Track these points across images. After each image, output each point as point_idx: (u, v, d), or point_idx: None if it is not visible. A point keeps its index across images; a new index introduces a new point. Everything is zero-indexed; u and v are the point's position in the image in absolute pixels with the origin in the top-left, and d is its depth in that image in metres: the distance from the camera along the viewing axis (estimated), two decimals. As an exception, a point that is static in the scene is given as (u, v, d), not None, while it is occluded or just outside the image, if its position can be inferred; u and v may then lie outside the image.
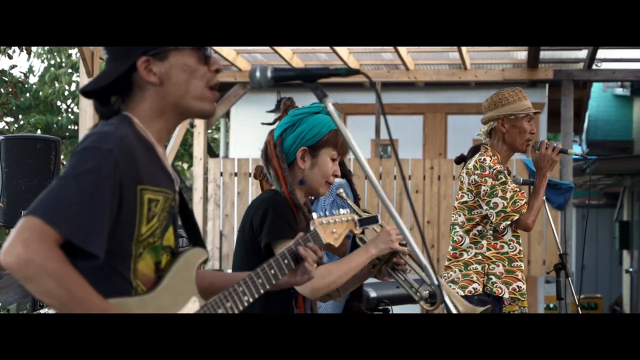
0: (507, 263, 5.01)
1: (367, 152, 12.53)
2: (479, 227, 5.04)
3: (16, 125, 13.01)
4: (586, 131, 16.31)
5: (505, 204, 4.94)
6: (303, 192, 3.58)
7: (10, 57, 8.00)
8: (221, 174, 11.43)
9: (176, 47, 2.38)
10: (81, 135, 8.49)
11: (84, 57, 8.26)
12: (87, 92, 2.42)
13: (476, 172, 5.02)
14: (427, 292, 6.82)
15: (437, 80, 11.69)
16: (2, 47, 7.75)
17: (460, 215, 5.12)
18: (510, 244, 5.06)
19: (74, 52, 15.48)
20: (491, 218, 4.98)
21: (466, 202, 5.09)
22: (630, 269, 17.29)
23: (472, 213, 5.06)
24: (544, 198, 5.19)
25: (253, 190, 11.17)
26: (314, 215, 2.96)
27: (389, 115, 12.34)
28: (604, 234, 21.52)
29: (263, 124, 3.73)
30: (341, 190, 3.82)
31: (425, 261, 2.39)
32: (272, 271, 2.63)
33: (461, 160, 6.26)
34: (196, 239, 2.53)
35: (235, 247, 3.58)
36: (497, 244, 5.03)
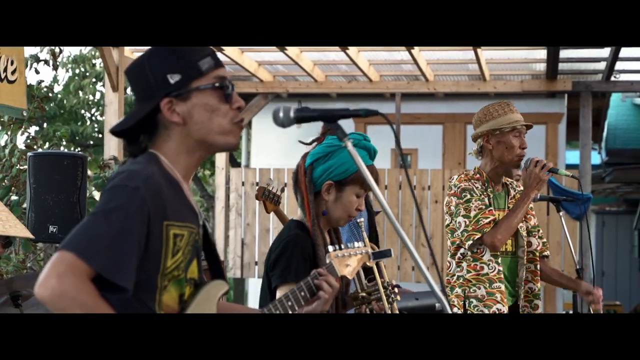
0: (487, 285, 4.73)
1: (386, 162, 12.61)
2: (462, 250, 4.79)
3: (39, 135, 13.15)
4: (605, 140, 16.32)
5: (467, 222, 4.70)
6: (325, 222, 3.65)
7: (38, 72, 8.16)
8: (243, 184, 11.56)
9: (198, 87, 2.48)
10: (106, 146, 8.64)
11: (109, 72, 8.42)
12: (116, 132, 2.54)
13: (448, 192, 4.88)
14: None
15: (457, 91, 11.78)
16: (29, 62, 7.90)
17: (448, 240, 4.92)
18: (489, 264, 4.75)
19: (97, 62, 15.65)
20: (460, 238, 4.77)
21: (448, 225, 4.88)
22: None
23: (454, 235, 4.81)
24: (561, 212, 5.11)
25: (274, 200, 11.27)
26: (330, 248, 3.08)
27: (408, 125, 12.46)
28: (623, 241, 21.49)
29: (300, 142, 3.82)
30: (362, 220, 3.93)
31: (430, 278, 2.48)
32: (289, 303, 2.78)
33: None
34: (218, 271, 2.64)
35: (264, 270, 3.68)
36: (476, 265, 4.76)
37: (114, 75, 8.44)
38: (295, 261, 3.43)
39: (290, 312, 2.76)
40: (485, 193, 4.82)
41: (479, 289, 4.73)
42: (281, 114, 2.60)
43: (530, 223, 4.96)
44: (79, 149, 15.13)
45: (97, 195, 8.76)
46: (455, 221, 4.74)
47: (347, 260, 3.10)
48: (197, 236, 2.54)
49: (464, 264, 4.76)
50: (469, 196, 4.74)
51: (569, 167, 12.83)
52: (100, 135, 15.27)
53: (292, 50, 10.16)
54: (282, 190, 5.31)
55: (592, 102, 11.22)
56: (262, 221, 11.43)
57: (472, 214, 4.70)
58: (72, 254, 2.23)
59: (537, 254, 4.94)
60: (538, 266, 4.93)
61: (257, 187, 5.22)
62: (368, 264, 3.21)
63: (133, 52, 9.82)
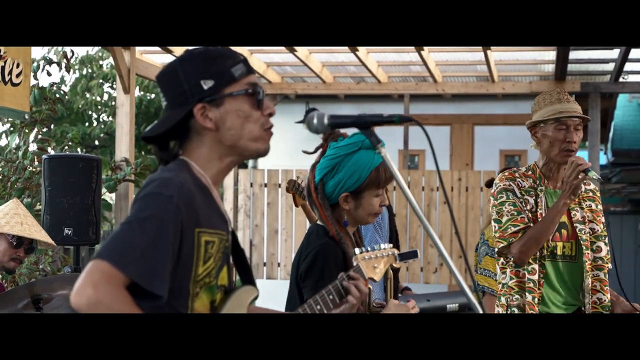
0: (528, 293, 4.31)
1: (394, 163, 12.60)
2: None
3: (48, 136, 13.18)
4: (612, 140, 16.33)
5: (497, 227, 4.35)
6: (351, 227, 3.58)
7: (49, 74, 8.16)
8: (251, 185, 11.56)
9: (230, 93, 2.49)
10: (117, 148, 8.64)
11: (121, 74, 8.41)
12: (147, 138, 2.56)
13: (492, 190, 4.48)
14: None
15: (465, 92, 11.79)
16: (41, 64, 7.90)
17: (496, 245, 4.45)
18: (530, 270, 4.34)
19: (105, 63, 15.69)
20: None
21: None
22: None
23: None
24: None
25: (283, 201, 11.30)
26: (357, 250, 3.08)
27: (416, 125, 12.46)
28: (628, 241, 21.48)
29: (304, 152, 3.77)
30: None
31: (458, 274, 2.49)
32: (318, 307, 2.80)
33: (491, 183, 6.13)
34: (247, 277, 2.67)
35: (290, 278, 3.63)
36: (518, 271, 4.35)
37: (125, 77, 8.44)
38: (328, 272, 3.36)
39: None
40: (534, 191, 4.38)
41: (520, 297, 4.34)
42: (315, 121, 2.62)
43: (599, 226, 4.45)
44: (85, 150, 15.16)
45: (108, 197, 8.78)
46: (492, 223, 4.40)
47: (374, 262, 3.10)
48: (227, 242, 2.56)
49: (507, 270, 4.39)
50: (504, 198, 4.35)
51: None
52: (107, 137, 15.29)
53: (301, 52, 10.16)
54: None
55: (600, 102, 11.23)
56: (270, 222, 11.44)
57: (504, 219, 4.33)
58: (107, 262, 2.24)
59: (606, 261, 4.43)
60: (606, 274, 4.43)
61: (288, 181, 5.22)
62: (395, 265, 3.20)
63: (142, 54, 9.82)
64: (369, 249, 3.17)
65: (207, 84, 2.48)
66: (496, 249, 4.37)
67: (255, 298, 2.63)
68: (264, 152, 2.57)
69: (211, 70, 2.50)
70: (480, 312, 2.50)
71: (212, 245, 2.45)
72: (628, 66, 10.63)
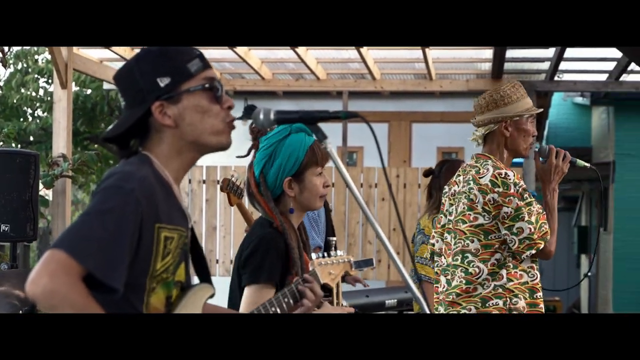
0: (528, 295, 4.22)
1: (333, 160, 12.63)
2: (497, 255, 4.21)
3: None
4: (546, 138, 16.59)
5: (532, 229, 4.13)
6: (298, 214, 3.59)
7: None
8: (189, 182, 11.51)
9: (188, 89, 2.49)
10: (54, 143, 8.53)
11: (58, 69, 8.32)
12: (108, 138, 2.54)
13: (496, 189, 4.16)
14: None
15: (403, 90, 11.87)
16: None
17: (472, 242, 4.25)
18: (529, 271, 4.25)
19: (40, 57, 15.49)
20: (511, 244, 4.17)
21: (481, 225, 4.23)
22: (589, 273, 17.60)
23: (490, 238, 4.22)
24: None
25: (221, 198, 11.26)
26: (313, 256, 3.11)
27: (354, 122, 12.51)
28: (561, 237, 21.83)
29: (238, 157, 3.79)
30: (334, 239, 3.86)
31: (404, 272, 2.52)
32: (273, 309, 2.81)
33: (430, 173, 6.01)
34: (204, 275, 2.65)
35: (232, 269, 3.63)
36: (517, 272, 4.21)
37: (62, 72, 8.35)
38: (268, 261, 3.38)
39: None
40: None
41: (520, 299, 4.20)
42: (261, 116, 2.64)
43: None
44: (20, 146, 14.95)
45: (44, 193, 8.67)
46: (513, 226, 4.15)
47: (330, 268, 3.15)
48: (187, 239, 2.55)
49: (504, 272, 4.20)
50: (529, 199, 4.18)
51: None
52: (43, 133, 15.11)
53: (239, 48, 10.15)
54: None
55: (536, 101, 11.38)
56: (208, 219, 11.40)
57: (534, 219, 4.15)
58: (65, 252, 2.22)
59: None
60: None
61: (222, 179, 5.16)
62: (350, 272, 3.25)
63: (80, 49, 9.72)
64: (325, 255, 3.21)
65: (163, 81, 2.47)
66: (527, 253, 4.17)
67: (212, 296, 2.62)
68: (226, 146, 2.57)
69: (167, 67, 2.49)
70: (425, 306, 2.53)
71: (171, 241, 2.45)
72: (563, 65, 10.80)
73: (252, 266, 3.41)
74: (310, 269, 3.09)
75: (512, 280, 4.19)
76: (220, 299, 3.61)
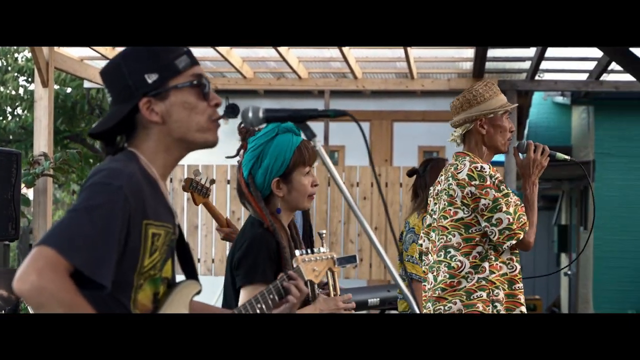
0: (507, 286, 4.31)
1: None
2: (479, 248, 4.29)
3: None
4: (526, 137, 16.65)
5: (511, 219, 4.20)
6: (287, 213, 3.63)
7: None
8: (171, 180, 11.48)
9: (175, 86, 2.48)
10: (35, 142, 8.49)
11: (39, 67, 8.28)
12: (94, 134, 2.54)
13: (473, 182, 4.25)
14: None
15: (385, 89, 11.89)
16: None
17: (454, 236, 4.33)
18: (509, 263, 4.33)
19: (20, 56, 15.42)
20: (492, 236, 4.25)
21: (461, 219, 4.31)
22: (569, 272, 17.69)
23: (470, 231, 4.30)
24: None
25: (203, 197, 11.23)
26: (297, 252, 3.12)
27: (336, 121, 12.53)
28: (541, 236, 21.86)
29: (227, 157, 3.80)
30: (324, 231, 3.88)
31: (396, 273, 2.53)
32: (259, 305, 2.82)
33: (414, 173, 5.99)
34: (191, 272, 2.66)
35: (225, 270, 3.66)
36: (497, 264, 4.30)
37: (44, 70, 8.30)
38: (262, 261, 3.42)
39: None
40: None
41: (501, 290, 4.28)
42: (250, 114, 2.63)
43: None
44: (0, 144, 14.88)
45: (25, 192, 8.63)
46: (491, 217, 4.22)
47: (314, 265, 3.16)
48: (173, 236, 2.55)
49: (486, 264, 4.28)
50: (506, 190, 4.27)
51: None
52: (23, 131, 15.05)
53: (221, 47, 10.13)
54: (212, 182, 5.21)
55: (516, 100, 11.43)
56: (190, 218, 11.38)
57: (512, 209, 4.23)
58: (53, 249, 2.21)
59: None
60: None
61: (184, 179, 5.10)
62: (333, 269, 3.26)
63: (61, 47, 9.68)
64: (309, 251, 3.22)
65: (151, 78, 2.47)
66: (507, 244, 4.25)
67: (198, 292, 2.62)
68: (212, 143, 2.57)
69: (155, 64, 2.48)
70: (414, 304, 2.53)
71: (159, 238, 2.45)
72: (544, 64, 10.85)
73: (245, 267, 3.45)
74: (294, 265, 3.10)
75: (494, 272, 4.28)
76: (204, 297, 3.63)
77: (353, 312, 3.60)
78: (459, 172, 4.31)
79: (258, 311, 2.80)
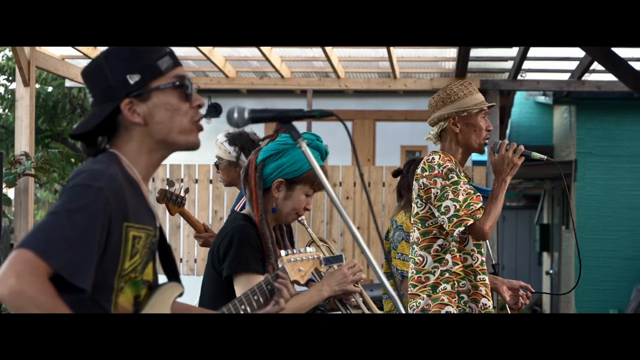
0: (473, 277, 4.33)
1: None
2: (440, 241, 4.32)
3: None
4: (509, 137, 16.69)
5: (458, 206, 4.18)
6: (272, 218, 3.65)
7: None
8: (152, 180, 11.44)
9: (158, 87, 2.46)
10: (17, 141, 8.44)
11: (20, 66, 8.23)
12: (76, 135, 2.51)
13: (424, 173, 4.30)
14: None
15: (368, 88, 11.88)
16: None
17: (414, 231, 4.40)
18: (472, 254, 4.34)
19: (0, 55, 15.32)
20: (444, 225, 4.24)
21: (417, 213, 4.37)
22: (551, 271, 17.74)
23: (427, 225, 4.34)
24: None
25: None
26: (282, 252, 3.10)
27: (318, 121, 12.52)
28: (523, 235, 22.00)
29: (260, 141, 3.81)
30: (303, 217, 3.90)
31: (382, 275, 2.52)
32: (243, 307, 2.80)
33: (398, 173, 6.02)
34: (173, 274, 2.64)
35: (205, 266, 3.67)
36: (461, 256, 4.32)
37: (25, 69, 8.26)
38: (245, 250, 3.46)
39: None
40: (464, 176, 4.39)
41: (467, 282, 4.31)
42: (236, 115, 2.62)
43: None
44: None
45: (5, 191, 8.59)
46: (440, 205, 4.22)
47: (299, 265, 3.13)
48: (154, 238, 2.53)
49: (448, 257, 4.30)
50: (456, 178, 4.24)
51: (476, 163, 13.08)
52: (3, 130, 14.95)
53: (203, 46, 10.10)
54: (186, 191, 5.18)
55: (499, 100, 11.44)
56: (172, 218, 11.33)
57: (461, 197, 4.20)
58: (32, 252, 2.19)
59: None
60: None
61: (158, 191, 5.07)
62: (320, 269, 3.24)
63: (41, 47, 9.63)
64: (295, 251, 3.20)
65: (133, 79, 2.45)
66: (456, 231, 4.21)
67: (180, 294, 2.61)
68: (194, 145, 2.55)
69: (137, 64, 2.46)
70: (399, 303, 2.53)
71: (139, 241, 2.43)
72: (526, 64, 10.86)
73: (232, 256, 3.48)
74: (280, 265, 3.08)
75: (458, 264, 4.30)
76: (187, 298, 3.62)
77: (363, 276, 3.66)
78: (418, 168, 4.38)
79: (242, 312, 2.78)
